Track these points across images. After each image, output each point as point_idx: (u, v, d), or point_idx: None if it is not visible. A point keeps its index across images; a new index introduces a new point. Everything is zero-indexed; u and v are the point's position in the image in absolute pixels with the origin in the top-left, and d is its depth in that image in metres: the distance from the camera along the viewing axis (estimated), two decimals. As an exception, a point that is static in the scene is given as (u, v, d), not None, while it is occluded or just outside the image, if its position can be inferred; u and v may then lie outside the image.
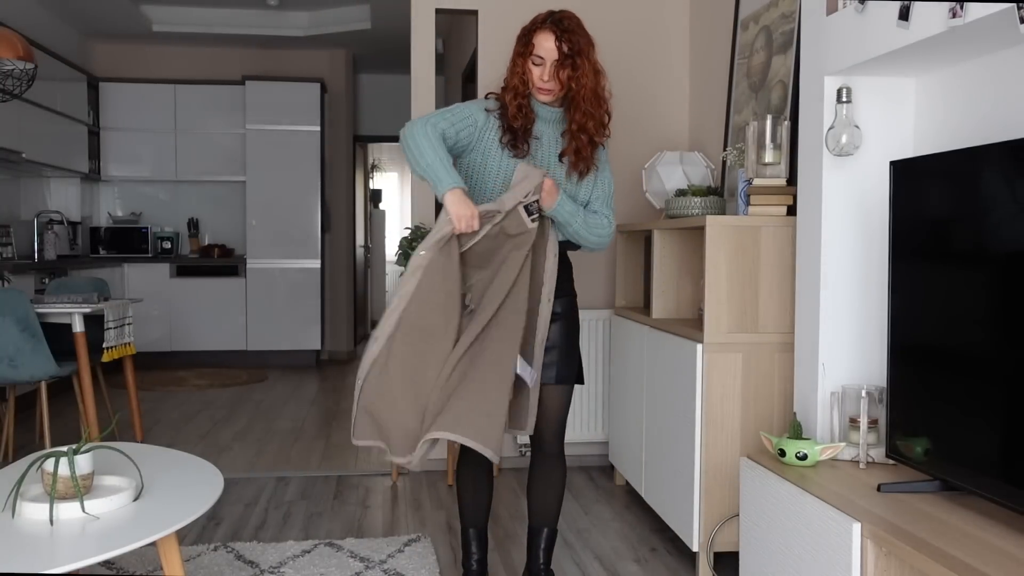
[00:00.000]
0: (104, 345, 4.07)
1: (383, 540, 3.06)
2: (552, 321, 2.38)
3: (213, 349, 7.34)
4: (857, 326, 2.36)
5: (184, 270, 7.33)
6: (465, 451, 2.46)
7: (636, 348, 3.35)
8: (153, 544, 1.81)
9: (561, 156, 2.37)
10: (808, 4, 2.41)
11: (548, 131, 2.38)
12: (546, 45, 2.27)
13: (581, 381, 2.50)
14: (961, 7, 1.74)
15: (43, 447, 3.85)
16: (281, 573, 2.74)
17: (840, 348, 2.36)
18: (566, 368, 2.42)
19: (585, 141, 2.33)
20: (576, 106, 2.31)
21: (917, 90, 2.30)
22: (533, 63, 2.29)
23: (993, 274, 1.76)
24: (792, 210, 2.67)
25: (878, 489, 1.98)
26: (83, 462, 1.85)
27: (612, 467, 3.85)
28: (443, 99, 6.99)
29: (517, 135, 2.34)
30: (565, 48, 2.26)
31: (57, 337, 3.89)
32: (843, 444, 2.23)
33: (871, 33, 2.08)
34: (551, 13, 2.31)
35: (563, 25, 2.28)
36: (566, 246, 2.45)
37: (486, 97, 2.42)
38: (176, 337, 7.28)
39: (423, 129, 2.25)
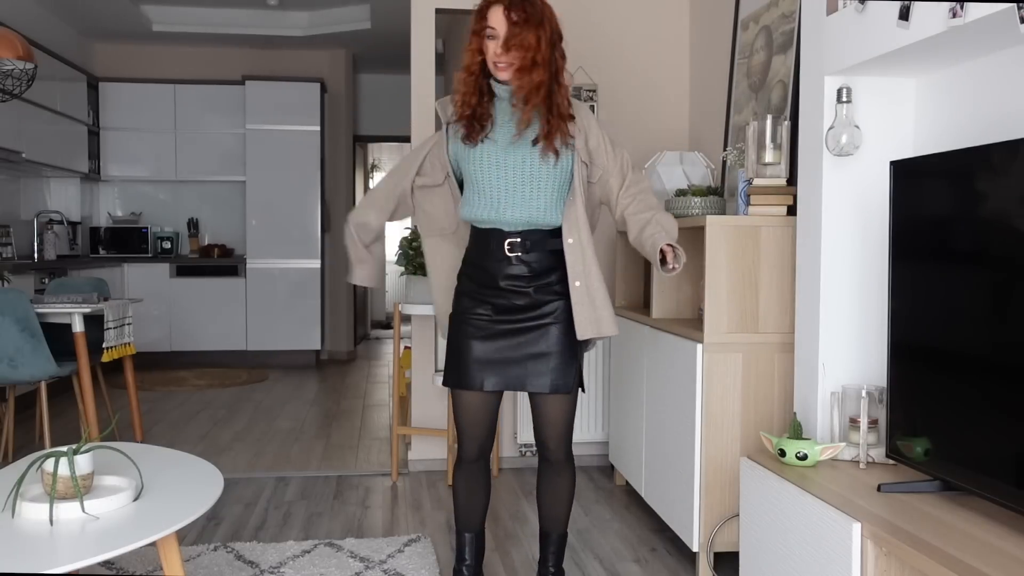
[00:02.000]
0: (104, 345, 4.07)
1: (383, 540, 3.06)
2: (549, 323, 2.34)
3: (213, 349, 7.34)
4: (857, 326, 2.35)
5: (184, 270, 7.33)
6: (461, 452, 2.45)
7: (636, 348, 3.35)
8: (153, 544, 1.81)
9: (535, 141, 2.27)
10: (808, 4, 2.41)
11: (504, 108, 2.30)
12: (497, 18, 2.20)
13: (582, 388, 2.43)
14: (961, 7, 1.74)
15: (43, 447, 3.85)
16: (281, 573, 2.74)
17: (840, 348, 2.36)
18: (561, 377, 2.33)
19: (529, 108, 2.22)
20: (525, 73, 2.21)
21: (917, 90, 2.30)
22: (488, 37, 2.22)
23: (993, 274, 1.76)
24: (792, 210, 2.67)
25: (878, 489, 1.98)
26: (83, 462, 1.85)
27: (612, 467, 3.85)
28: (443, 99, 6.97)
29: (470, 123, 2.29)
30: (514, 17, 2.18)
31: (57, 337, 3.89)
32: (843, 444, 2.23)
33: (871, 33, 2.08)
34: None
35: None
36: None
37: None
38: (176, 337, 7.28)
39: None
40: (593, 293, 2.30)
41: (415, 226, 3.81)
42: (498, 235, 2.31)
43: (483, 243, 2.35)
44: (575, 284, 2.29)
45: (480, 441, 2.43)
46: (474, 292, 2.36)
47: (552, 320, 2.33)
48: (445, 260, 2.50)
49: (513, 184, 2.28)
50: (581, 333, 2.30)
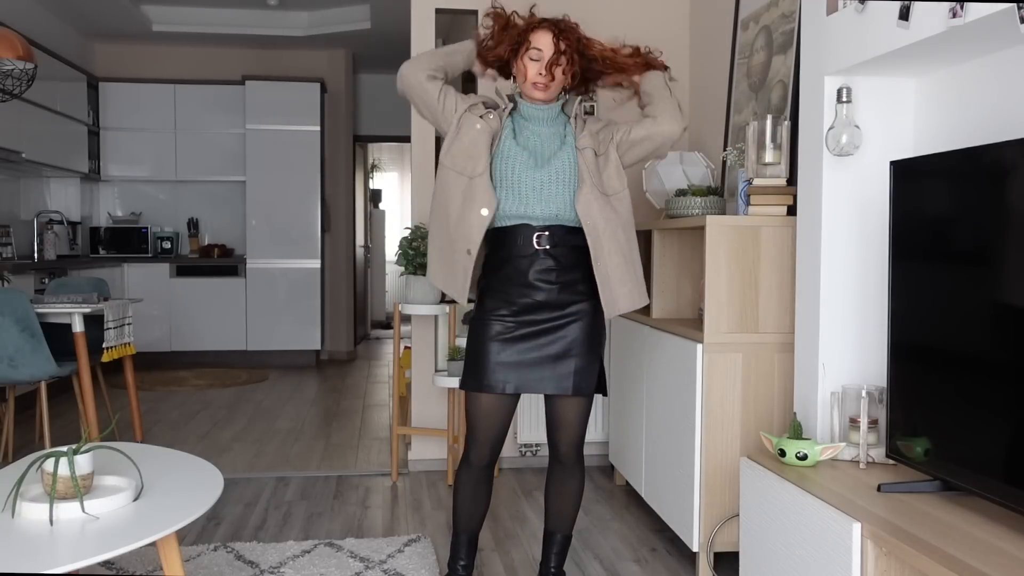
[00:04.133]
0: (104, 345, 4.07)
1: (383, 540, 3.06)
2: (571, 322, 2.37)
3: (213, 349, 7.34)
4: (857, 326, 2.35)
5: (184, 270, 7.33)
6: (471, 456, 2.44)
7: (636, 348, 3.35)
8: (153, 544, 1.81)
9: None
10: (808, 4, 2.41)
11: (545, 131, 2.39)
12: (544, 41, 2.32)
13: (603, 391, 2.45)
14: (961, 7, 1.74)
15: (43, 447, 3.85)
16: (281, 573, 2.74)
17: (840, 348, 2.36)
18: (584, 379, 2.37)
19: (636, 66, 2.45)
20: (614, 67, 2.44)
21: (917, 90, 2.30)
22: (530, 59, 2.33)
23: (993, 274, 1.76)
24: (792, 210, 2.67)
25: (878, 489, 1.98)
26: (83, 462, 1.85)
27: (612, 467, 3.85)
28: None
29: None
30: (563, 45, 2.31)
31: (57, 337, 3.89)
32: (843, 444, 2.23)
33: (871, 33, 2.08)
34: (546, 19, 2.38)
35: (560, 25, 2.34)
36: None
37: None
38: (176, 337, 7.28)
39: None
40: (609, 273, 2.34)
41: (415, 226, 3.81)
42: (526, 230, 2.34)
43: (511, 240, 2.36)
44: (597, 265, 2.34)
45: (493, 445, 2.42)
46: (499, 290, 2.37)
47: (575, 319, 2.36)
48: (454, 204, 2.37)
49: (541, 182, 2.33)
50: (608, 313, 2.38)
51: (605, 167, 2.38)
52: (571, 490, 2.51)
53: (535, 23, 2.35)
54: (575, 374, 2.35)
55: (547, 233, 2.34)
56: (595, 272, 2.33)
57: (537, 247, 2.34)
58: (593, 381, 2.39)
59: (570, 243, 2.35)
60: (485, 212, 2.31)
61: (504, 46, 2.37)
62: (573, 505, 2.52)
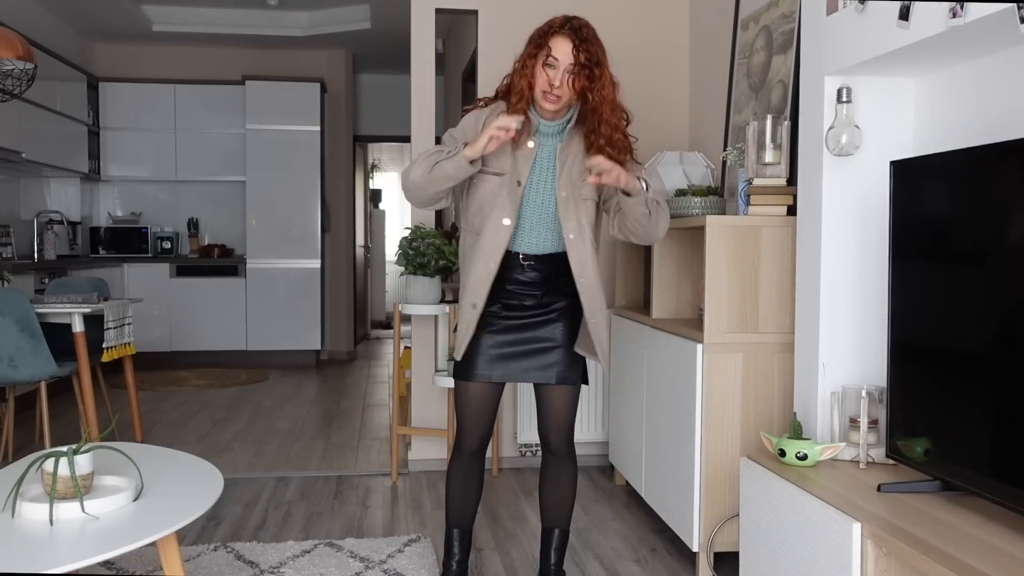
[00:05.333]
0: (104, 345, 4.07)
1: (383, 540, 3.06)
2: (555, 318, 2.41)
3: (213, 349, 7.34)
4: (857, 326, 2.35)
5: (184, 270, 7.33)
6: (462, 445, 2.48)
7: (636, 348, 3.35)
8: (153, 544, 1.81)
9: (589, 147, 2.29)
10: (808, 4, 2.41)
11: (547, 143, 2.34)
12: (563, 49, 2.19)
13: (585, 381, 2.49)
14: (961, 7, 1.74)
15: (43, 447, 3.85)
16: (281, 573, 2.74)
17: (840, 348, 2.36)
18: (567, 369, 2.41)
19: (616, 155, 2.26)
20: (599, 118, 2.25)
21: (917, 90, 2.30)
22: (547, 65, 2.21)
23: (993, 274, 1.76)
24: (792, 210, 2.67)
25: (878, 489, 1.98)
26: (83, 462, 1.85)
27: (612, 467, 3.85)
28: (443, 99, 6.99)
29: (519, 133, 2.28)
30: (583, 58, 2.18)
31: (57, 337, 3.88)
32: (843, 444, 2.23)
33: (871, 33, 2.08)
34: (568, 19, 2.23)
35: (582, 34, 2.20)
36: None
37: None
38: (176, 337, 7.28)
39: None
40: (599, 330, 2.38)
41: (415, 226, 3.81)
42: (512, 252, 2.39)
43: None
44: (590, 318, 2.37)
45: (482, 432, 2.47)
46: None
47: (559, 314, 2.41)
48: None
49: (530, 223, 2.35)
50: (602, 358, 2.40)
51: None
52: (565, 482, 2.52)
53: (556, 25, 2.21)
54: (558, 364, 2.40)
55: (532, 253, 2.38)
56: (589, 326, 2.37)
57: (523, 262, 2.38)
58: (576, 372, 2.44)
59: (555, 259, 2.38)
60: (507, 222, 2.31)
61: (527, 67, 2.23)
62: (568, 497, 2.54)
